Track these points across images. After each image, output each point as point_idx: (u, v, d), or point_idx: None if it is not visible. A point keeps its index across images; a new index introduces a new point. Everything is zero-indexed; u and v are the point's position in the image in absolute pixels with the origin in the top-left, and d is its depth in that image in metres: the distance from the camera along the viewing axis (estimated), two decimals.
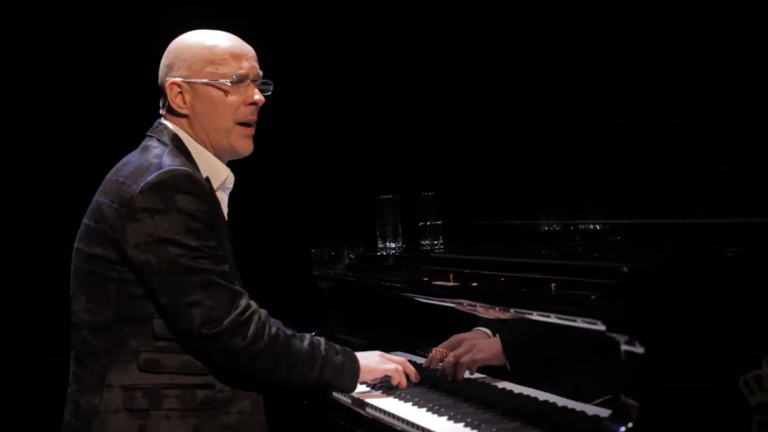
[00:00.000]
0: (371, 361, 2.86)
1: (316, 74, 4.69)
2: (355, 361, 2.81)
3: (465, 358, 2.92)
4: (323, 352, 2.73)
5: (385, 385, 2.93)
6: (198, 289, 2.57)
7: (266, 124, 2.89)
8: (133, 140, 2.85)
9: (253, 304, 2.66)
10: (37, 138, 4.47)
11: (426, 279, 3.13)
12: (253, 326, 2.61)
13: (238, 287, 2.66)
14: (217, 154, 2.82)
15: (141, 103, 3.05)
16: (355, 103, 4.71)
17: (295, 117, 4.53)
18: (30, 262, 4.41)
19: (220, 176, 2.82)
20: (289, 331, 2.71)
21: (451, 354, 2.96)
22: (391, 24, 4.67)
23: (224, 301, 2.60)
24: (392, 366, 2.89)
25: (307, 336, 2.75)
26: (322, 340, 2.79)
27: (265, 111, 2.88)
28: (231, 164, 2.90)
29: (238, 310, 2.60)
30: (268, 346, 2.63)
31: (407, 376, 2.92)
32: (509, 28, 4.19)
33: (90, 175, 2.89)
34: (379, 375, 2.89)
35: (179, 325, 2.61)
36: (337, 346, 2.82)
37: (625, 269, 2.13)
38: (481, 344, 2.94)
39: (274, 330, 2.65)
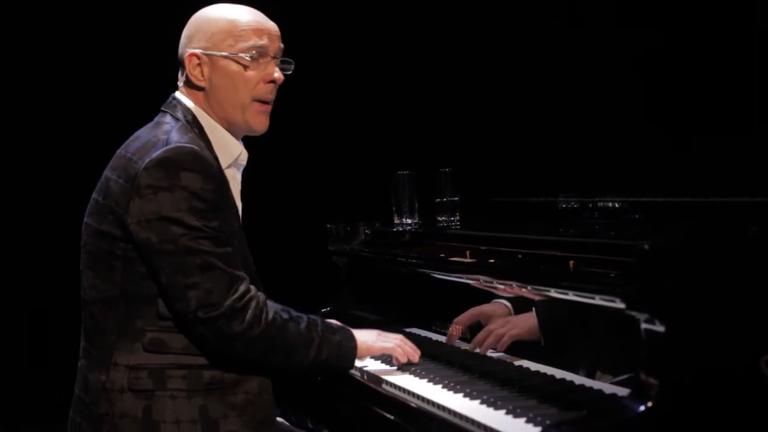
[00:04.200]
0: (369, 338, 2.84)
1: (335, 51, 4.67)
2: (352, 338, 2.77)
3: (500, 330, 2.87)
4: (320, 333, 2.69)
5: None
6: (197, 271, 2.53)
7: (284, 100, 2.86)
8: (146, 114, 2.83)
9: (252, 289, 2.61)
10: (51, 114, 4.46)
11: (442, 255, 3.11)
12: (250, 312, 2.57)
13: (238, 272, 2.60)
14: (232, 130, 2.79)
15: (154, 77, 3.03)
16: (373, 79, 4.69)
17: (314, 93, 4.50)
18: (43, 235, 4.40)
19: (233, 153, 2.79)
20: (286, 315, 2.66)
21: (487, 328, 2.92)
22: (408, 2, 4.64)
23: (222, 285, 2.55)
24: (389, 344, 2.87)
25: (305, 317, 2.71)
26: (319, 320, 2.75)
27: (282, 88, 2.85)
28: (246, 140, 2.87)
29: (236, 295, 2.56)
30: (264, 331, 2.59)
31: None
32: (521, 10, 4.16)
33: (103, 148, 2.87)
34: (376, 353, 2.88)
35: (176, 306, 2.56)
36: (335, 325, 2.78)
37: (646, 247, 2.11)
38: (515, 320, 2.89)
39: (271, 315, 2.61)
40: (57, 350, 4.38)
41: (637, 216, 3.18)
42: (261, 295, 2.63)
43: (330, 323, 2.78)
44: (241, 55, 2.73)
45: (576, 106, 3.85)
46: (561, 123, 3.90)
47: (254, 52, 2.73)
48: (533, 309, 2.84)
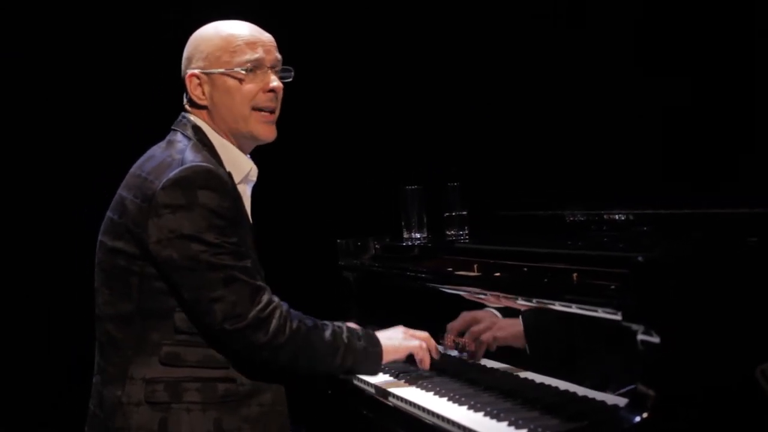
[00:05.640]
0: (394, 340, 2.89)
1: (341, 65, 4.70)
2: (377, 344, 2.84)
3: (485, 336, 2.91)
4: (345, 340, 2.76)
5: (409, 372, 2.95)
6: (220, 285, 2.60)
7: (293, 115, 2.91)
8: (158, 132, 2.89)
9: (275, 299, 2.68)
10: (65, 130, 4.51)
11: (450, 269, 3.14)
12: (275, 321, 2.64)
13: (259, 282, 2.67)
14: (240, 144, 2.84)
15: (167, 95, 3.07)
16: (381, 93, 4.72)
17: (322, 108, 4.55)
18: (56, 253, 4.45)
19: (243, 169, 2.84)
20: (310, 323, 2.73)
21: (471, 330, 2.95)
22: (415, 13, 4.67)
23: (246, 296, 2.62)
24: (415, 343, 2.91)
25: (329, 325, 2.78)
26: (344, 327, 2.82)
27: (291, 102, 2.89)
28: (255, 156, 2.92)
29: (260, 306, 2.63)
30: (290, 339, 2.66)
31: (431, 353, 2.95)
32: (531, 18, 4.18)
33: (116, 166, 2.92)
34: (403, 354, 2.91)
35: (202, 320, 2.64)
36: (360, 331, 2.84)
37: (639, 259, 2.14)
38: (502, 323, 2.92)
39: (295, 323, 2.67)
40: (57, 350, 4.45)
41: (645, 228, 3.19)
42: (284, 305, 2.70)
43: (355, 330, 2.84)
44: (237, 69, 2.78)
45: (584, 118, 3.86)
46: (569, 136, 3.92)
47: (249, 65, 2.79)
48: (519, 316, 2.87)
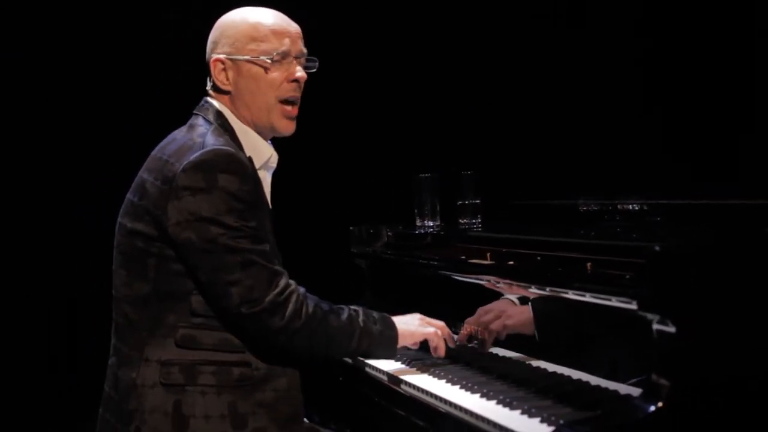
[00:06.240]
0: (410, 325, 2.89)
1: (357, 53, 4.69)
2: (393, 327, 2.83)
3: (495, 324, 2.92)
4: (361, 323, 2.76)
5: (421, 360, 2.95)
6: (237, 269, 2.60)
7: (307, 102, 2.91)
8: (180, 116, 2.89)
9: (292, 283, 2.68)
10: (87, 112, 4.52)
11: (463, 257, 3.14)
12: (291, 305, 2.64)
13: (277, 267, 2.68)
14: (260, 132, 2.85)
15: (188, 79, 3.08)
16: (396, 83, 4.72)
17: (336, 96, 4.54)
18: (75, 234, 4.46)
19: (263, 155, 2.85)
20: (326, 307, 2.73)
21: (481, 320, 2.95)
22: (431, 6, 4.67)
23: (263, 280, 2.62)
24: (431, 330, 2.91)
25: (345, 309, 2.78)
26: (360, 310, 2.81)
27: (306, 90, 2.89)
28: (274, 143, 2.92)
29: (277, 290, 2.63)
30: (306, 324, 2.66)
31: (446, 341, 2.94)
32: (545, 9, 4.18)
33: (138, 149, 2.93)
34: (418, 339, 2.91)
35: (219, 303, 2.64)
36: (375, 315, 2.83)
37: (656, 248, 2.13)
38: (511, 311, 2.93)
39: (311, 308, 2.68)
40: (57, 349, 4.47)
41: (658, 218, 3.18)
42: (301, 289, 2.70)
43: (371, 313, 2.84)
44: (263, 57, 2.79)
45: (597, 108, 3.86)
46: (581, 126, 3.91)
47: (275, 54, 2.79)
48: (529, 303, 2.87)
